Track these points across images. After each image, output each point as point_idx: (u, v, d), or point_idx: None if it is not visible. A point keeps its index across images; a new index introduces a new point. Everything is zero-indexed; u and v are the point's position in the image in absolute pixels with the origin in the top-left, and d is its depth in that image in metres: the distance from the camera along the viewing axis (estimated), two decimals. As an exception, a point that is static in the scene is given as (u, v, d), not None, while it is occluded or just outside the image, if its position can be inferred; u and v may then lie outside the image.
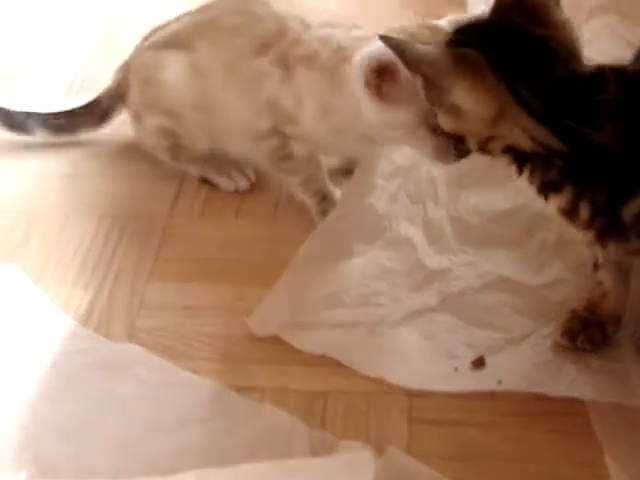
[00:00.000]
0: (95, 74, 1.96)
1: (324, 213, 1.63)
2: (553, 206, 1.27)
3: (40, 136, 1.81)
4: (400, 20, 1.86)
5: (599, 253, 1.38)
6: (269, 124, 1.61)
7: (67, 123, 1.81)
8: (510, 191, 1.63)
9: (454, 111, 1.24)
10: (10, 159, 1.81)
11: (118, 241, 1.63)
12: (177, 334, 1.47)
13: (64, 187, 1.75)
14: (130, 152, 1.78)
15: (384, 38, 1.27)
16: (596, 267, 1.39)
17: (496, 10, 1.26)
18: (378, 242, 1.57)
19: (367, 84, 1.44)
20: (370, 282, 1.52)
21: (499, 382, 1.36)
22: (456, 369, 1.39)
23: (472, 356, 1.40)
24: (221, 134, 1.69)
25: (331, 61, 1.53)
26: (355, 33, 1.55)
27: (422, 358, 1.42)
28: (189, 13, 1.72)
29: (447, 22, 1.45)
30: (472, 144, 1.27)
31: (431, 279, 1.51)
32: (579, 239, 1.34)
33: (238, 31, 1.63)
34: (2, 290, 1.52)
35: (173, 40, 1.70)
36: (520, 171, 1.28)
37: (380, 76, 1.42)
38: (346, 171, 1.72)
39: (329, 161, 1.71)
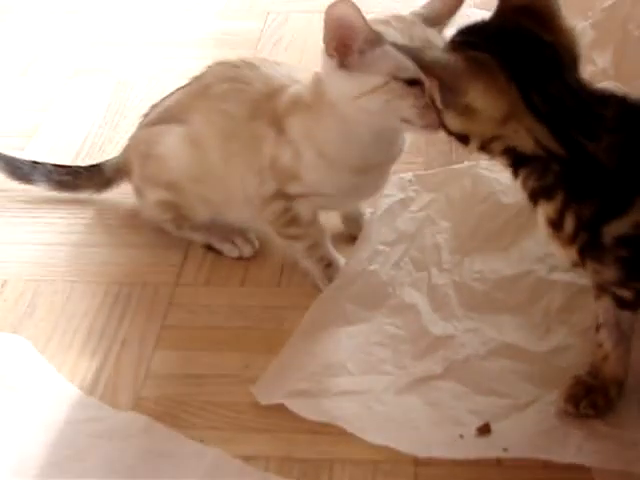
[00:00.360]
0: (102, 142, 1.99)
1: (329, 280, 1.64)
2: (542, 215, 1.28)
3: (43, 188, 1.84)
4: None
5: (600, 311, 1.38)
6: (273, 188, 1.62)
7: (71, 182, 1.84)
8: (514, 257, 1.65)
9: (467, 112, 1.25)
10: (17, 228, 1.83)
11: (124, 309, 1.64)
12: (182, 403, 1.47)
13: (70, 256, 1.76)
14: (136, 221, 1.79)
15: (396, 45, 1.31)
16: (597, 328, 1.40)
17: (501, 12, 1.30)
18: (382, 309, 1.58)
19: (330, 54, 1.46)
20: (375, 349, 1.52)
21: (505, 449, 1.35)
22: (461, 436, 1.38)
23: (477, 423, 1.39)
24: (222, 203, 1.71)
25: (309, 97, 1.56)
26: None
27: (427, 425, 1.41)
28: (181, 87, 1.74)
29: (412, 14, 1.51)
30: (475, 143, 1.29)
31: (436, 346, 1.51)
32: (567, 265, 1.34)
33: (229, 97, 1.64)
34: (9, 361, 1.53)
35: (166, 115, 1.72)
36: (516, 174, 1.30)
37: (339, 47, 1.45)
38: (349, 238, 1.74)
39: (332, 225, 1.73)
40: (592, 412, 1.38)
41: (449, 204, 1.73)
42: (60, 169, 1.85)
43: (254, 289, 1.68)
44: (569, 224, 1.26)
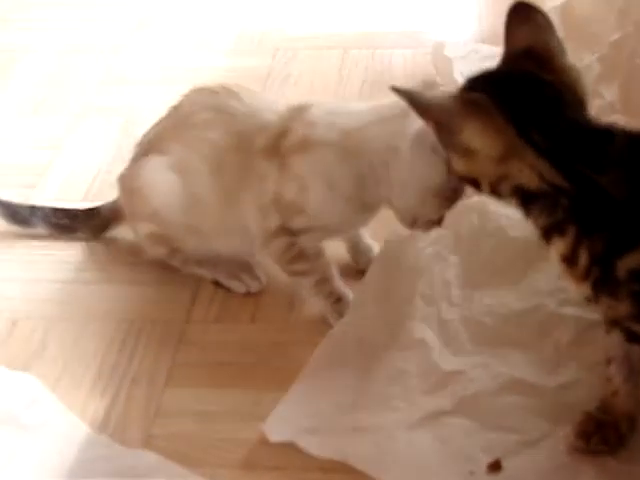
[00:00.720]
0: (112, 179, 1.98)
1: (339, 315, 1.64)
2: (555, 253, 1.28)
3: (42, 231, 1.86)
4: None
5: (609, 346, 1.38)
6: (276, 223, 1.62)
7: (68, 225, 1.86)
8: (523, 291, 1.64)
9: (466, 152, 1.27)
10: (27, 266, 1.84)
11: (135, 347, 1.64)
12: (193, 440, 1.47)
13: (81, 294, 1.77)
14: (146, 258, 1.79)
15: (394, 89, 1.32)
16: (607, 362, 1.40)
17: (506, 59, 1.33)
18: (392, 345, 1.57)
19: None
20: (385, 385, 1.51)
21: (516, 486, 1.35)
22: (472, 473, 1.38)
23: (488, 459, 1.39)
24: (212, 233, 1.70)
25: (329, 136, 1.56)
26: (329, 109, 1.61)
27: (438, 462, 1.41)
28: (160, 119, 1.75)
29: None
30: (485, 186, 1.30)
31: (446, 382, 1.50)
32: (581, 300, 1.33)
33: (213, 127, 1.65)
34: (20, 400, 1.53)
35: (147, 147, 1.73)
36: (527, 214, 1.30)
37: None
38: (358, 272, 1.74)
39: (340, 258, 1.74)
40: (603, 448, 1.37)
41: (457, 239, 1.73)
42: (58, 212, 1.86)
43: (264, 325, 1.68)
44: (582, 259, 1.25)
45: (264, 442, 1.44)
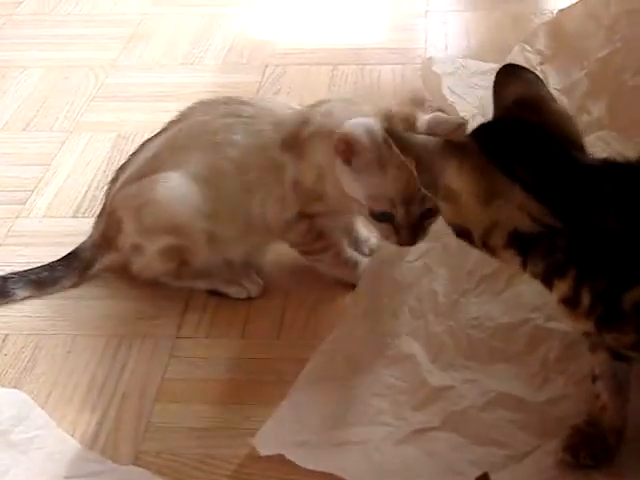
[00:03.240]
0: (103, 195, 2.00)
1: (360, 278, 1.73)
2: (556, 296, 1.27)
3: (21, 296, 1.77)
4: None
5: (595, 363, 1.38)
6: (296, 211, 1.69)
7: (49, 277, 1.78)
8: (510, 302, 1.65)
9: (448, 195, 1.28)
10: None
11: (124, 362, 1.65)
12: (183, 456, 1.47)
13: (71, 309, 1.77)
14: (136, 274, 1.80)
15: (386, 130, 1.40)
16: (594, 379, 1.40)
17: (496, 109, 1.35)
18: (381, 359, 1.58)
19: (336, 151, 1.58)
20: (373, 400, 1.52)
21: (504, 499, 1.36)
22: (461, 486, 1.39)
23: (476, 473, 1.38)
24: (229, 237, 1.73)
25: (326, 128, 1.63)
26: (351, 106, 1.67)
27: (427, 475, 1.41)
28: (151, 139, 1.79)
29: None
30: (477, 238, 1.29)
31: (434, 397, 1.51)
32: (575, 330, 1.34)
33: (235, 130, 1.70)
34: (9, 416, 1.52)
35: (153, 165, 1.74)
36: (525, 264, 1.29)
37: (347, 149, 1.56)
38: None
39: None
40: (591, 462, 1.37)
41: (445, 252, 1.74)
42: (34, 270, 1.79)
43: (254, 341, 1.69)
44: (585, 298, 1.24)
45: (254, 457, 1.45)
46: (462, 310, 1.66)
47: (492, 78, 1.40)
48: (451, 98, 2.06)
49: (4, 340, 1.70)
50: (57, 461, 1.47)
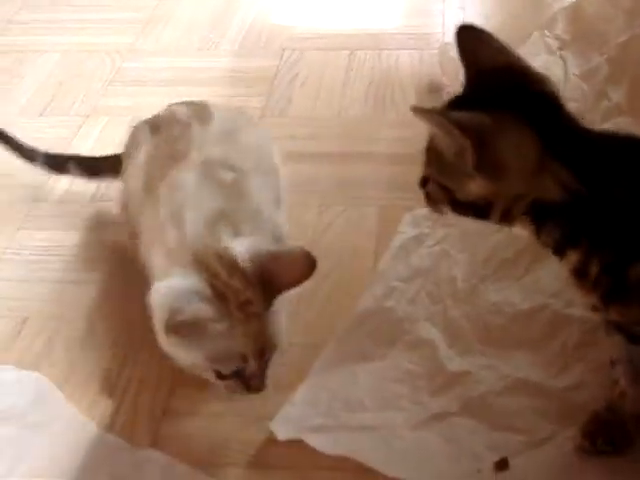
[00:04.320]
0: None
1: None
2: (567, 266, 1.27)
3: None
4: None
5: (612, 347, 1.38)
6: None
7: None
8: (529, 288, 1.65)
9: (497, 171, 1.22)
10: (37, 265, 1.84)
11: (142, 346, 1.64)
12: (201, 440, 1.48)
13: (89, 294, 1.77)
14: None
15: (418, 109, 1.24)
16: (612, 364, 1.40)
17: (486, 76, 1.29)
18: (399, 345, 1.58)
19: (167, 331, 1.38)
20: (391, 385, 1.52)
21: (524, 483, 1.36)
22: (479, 471, 1.38)
23: (495, 458, 1.39)
24: None
25: None
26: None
27: (445, 460, 1.41)
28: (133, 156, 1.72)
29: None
30: (497, 210, 1.26)
31: (452, 383, 1.51)
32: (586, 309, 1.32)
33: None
34: (28, 399, 1.54)
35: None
36: (538, 233, 1.27)
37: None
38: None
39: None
40: (610, 449, 1.37)
41: (464, 237, 1.74)
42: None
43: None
44: (593, 270, 1.24)
45: (272, 442, 1.45)
46: (480, 296, 1.65)
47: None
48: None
49: (24, 322, 1.71)
50: (75, 444, 1.47)
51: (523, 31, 2.24)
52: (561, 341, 1.55)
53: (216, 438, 1.48)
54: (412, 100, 2.20)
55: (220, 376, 1.43)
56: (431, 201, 1.32)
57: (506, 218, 1.27)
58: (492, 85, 1.28)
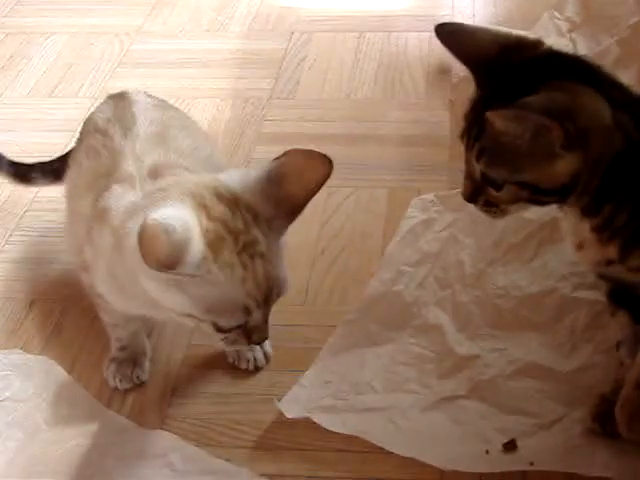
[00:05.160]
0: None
1: None
2: (594, 223, 1.25)
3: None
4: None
5: (617, 328, 1.39)
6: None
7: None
8: (537, 272, 1.65)
9: (583, 139, 1.20)
10: (44, 247, 1.84)
11: (150, 328, 1.65)
12: (209, 421, 1.48)
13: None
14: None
15: (495, 115, 1.20)
16: (618, 345, 1.40)
17: (486, 69, 1.28)
18: (407, 329, 1.58)
19: (144, 255, 1.19)
20: (400, 369, 1.52)
21: (531, 463, 1.36)
22: (487, 452, 1.39)
23: (503, 440, 1.40)
24: None
25: (118, 219, 1.34)
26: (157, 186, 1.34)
27: (453, 441, 1.42)
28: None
29: None
30: (581, 184, 1.23)
31: (461, 366, 1.51)
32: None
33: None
34: (37, 382, 1.54)
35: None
36: (565, 200, 1.26)
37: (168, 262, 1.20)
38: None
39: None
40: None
41: (472, 222, 1.74)
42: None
43: (279, 308, 1.66)
44: (621, 219, 1.23)
45: (280, 423, 1.45)
46: (489, 280, 1.66)
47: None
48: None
49: (30, 306, 1.71)
50: (84, 426, 1.47)
51: (533, 13, 2.23)
52: (569, 324, 1.55)
53: (225, 419, 1.48)
54: (421, 82, 2.20)
55: (219, 329, 1.29)
56: (491, 207, 1.30)
57: (587, 189, 1.24)
58: (510, 68, 1.26)
